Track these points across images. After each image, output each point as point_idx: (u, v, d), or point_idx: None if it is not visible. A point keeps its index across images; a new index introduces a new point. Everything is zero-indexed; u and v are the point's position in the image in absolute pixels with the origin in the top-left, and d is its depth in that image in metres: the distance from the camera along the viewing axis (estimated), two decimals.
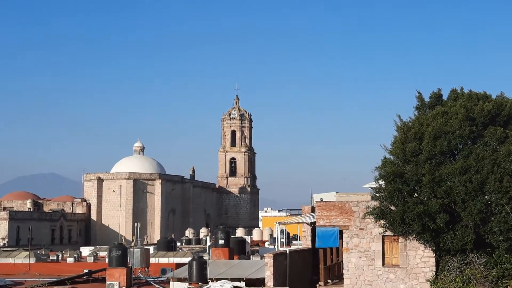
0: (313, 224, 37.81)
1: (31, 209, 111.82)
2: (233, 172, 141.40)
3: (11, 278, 43.63)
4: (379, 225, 32.37)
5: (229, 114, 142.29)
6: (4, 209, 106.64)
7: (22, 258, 54.61)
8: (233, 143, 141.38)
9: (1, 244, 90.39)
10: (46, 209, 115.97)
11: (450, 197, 30.28)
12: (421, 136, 31.66)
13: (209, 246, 56.56)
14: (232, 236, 52.56)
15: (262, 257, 43.34)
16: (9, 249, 73.32)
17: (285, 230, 63.88)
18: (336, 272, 37.79)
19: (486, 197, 30.06)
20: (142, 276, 42.96)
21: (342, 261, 34.51)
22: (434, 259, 31.96)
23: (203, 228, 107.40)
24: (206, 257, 42.72)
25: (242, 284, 34.60)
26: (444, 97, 34.79)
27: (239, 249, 49.23)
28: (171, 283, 37.95)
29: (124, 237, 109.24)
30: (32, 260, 53.68)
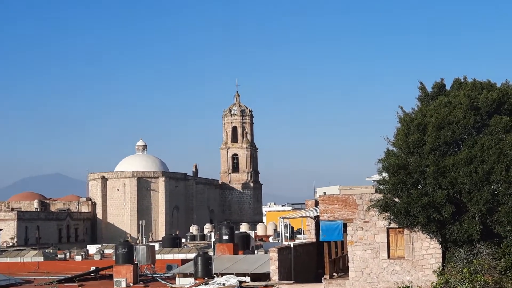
0: (317, 218, 37.72)
1: (38, 209, 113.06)
2: (235, 168, 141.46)
3: (20, 277, 44.12)
4: (383, 217, 32.20)
5: (230, 111, 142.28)
6: (12, 209, 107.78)
7: (31, 257, 55.45)
8: (234, 139, 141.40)
9: (10, 244, 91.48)
10: (52, 208, 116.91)
11: (456, 188, 30.10)
12: (425, 127, 31.45)
13: (213, 241, 56.63)
14: (236, 232, 52.57)
15: (266, 252, 43.35)
16: (18, 248, 74.13)
17: (289, 224, 63.93)
18: (341, 265, 37.70)
19: (492, 187, 29.83)
20: (148, 273, 43.10)
21: (347, 254, 34.42)
22: (440, 251, 31.77)
23: (207, 224, 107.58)
24: (211, 253, 42.76)
25: (248, 278, 34.60)
26: (448, 87, 34.56)
27: (244, 244, 49.31)
28: (177, 278, 38.07)
29: (130, 234, 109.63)
30: (41, 259, 54.44)
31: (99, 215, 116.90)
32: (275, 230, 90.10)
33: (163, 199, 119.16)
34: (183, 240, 74.48)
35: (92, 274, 43.36)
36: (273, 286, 32.47)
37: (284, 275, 33.61)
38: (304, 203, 52.86)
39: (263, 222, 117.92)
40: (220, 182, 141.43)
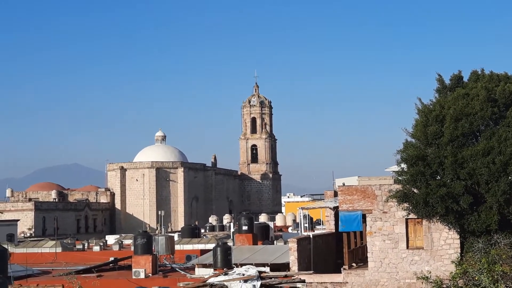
0: (336, 209, 37.92)
1: (56, 200, 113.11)
2: (254, 159, 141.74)
3: (38, 267, 44.27)
4: (402, 208, 32.38)
5: (249, 102, 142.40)
6: (30, 200, 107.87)
7: (49, 247, 55.26)
8: (253, 130, 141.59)
9: (28, 234, 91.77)
10: (70, 199, 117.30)
11: (473, 179, 30.21)
12: (443, 118, 31.57)
13: (233, 232, 56.90)
14: (255, 222, 52.83)
15: (286, 242, 43.54)
16: (36, 239, 74.54)
17: (308, 215, 63.95)
18: (360, 256, 37.91)
19: (510, 178, 29.92)
20: (167, 263, 43.35)
21: (366, 245, 34.61)
22: (458, 241, 31.92)
23: (226, 214, 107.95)
24: (230, 243, 43.05)
25: (267, 269, 34.79)
26: (465, 79, 34.63)
27: (263, 235, 49.52)
28: (196, 269, 38.31)
29: (149, 225, 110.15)
30: (59, 249, 54.34)
31: (117, 205, 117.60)
32: (294, 220, 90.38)
33: (182, 189, 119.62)
34: (202, 231, 74.85)
35: (111, 265, 43.43)
36: (293, 276, 32.67)
37: (304, 266, 33.85)
38: (323, 194, 53.01)
39: (282, 213, 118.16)
40: (239, 172, 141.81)
